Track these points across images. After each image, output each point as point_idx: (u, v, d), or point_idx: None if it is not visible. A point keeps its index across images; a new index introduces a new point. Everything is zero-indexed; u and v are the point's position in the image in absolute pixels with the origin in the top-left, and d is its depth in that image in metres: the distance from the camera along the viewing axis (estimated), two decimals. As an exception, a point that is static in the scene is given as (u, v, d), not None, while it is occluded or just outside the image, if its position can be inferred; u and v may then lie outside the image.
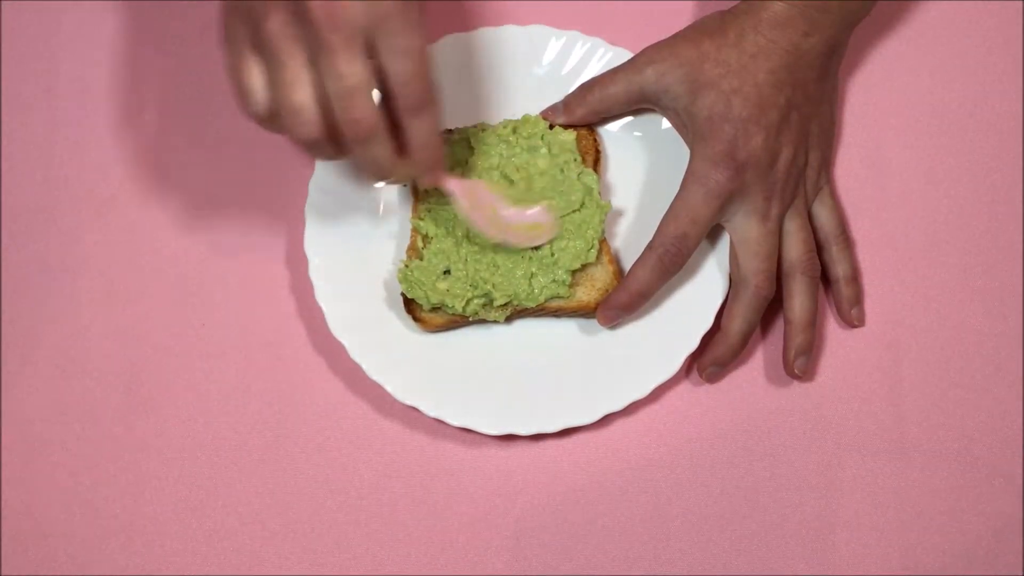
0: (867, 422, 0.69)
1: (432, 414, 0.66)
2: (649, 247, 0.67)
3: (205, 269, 0.71)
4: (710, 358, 0.68)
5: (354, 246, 0.69)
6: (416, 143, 0.58)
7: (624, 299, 0.67)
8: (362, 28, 0.54)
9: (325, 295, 0.68)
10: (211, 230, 0.72)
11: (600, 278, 0.68)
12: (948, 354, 0.70)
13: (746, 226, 0.67)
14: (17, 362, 0.70)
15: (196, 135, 0.73)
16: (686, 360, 0.68)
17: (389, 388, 0.67)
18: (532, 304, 0.67)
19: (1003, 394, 0.69)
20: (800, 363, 0.68)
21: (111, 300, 0.71)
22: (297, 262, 0.71)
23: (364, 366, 0.67)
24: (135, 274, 0.71)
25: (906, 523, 0.67)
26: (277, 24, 0.54)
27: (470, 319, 0.67)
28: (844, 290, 0.70)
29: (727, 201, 0.66)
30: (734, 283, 0.68)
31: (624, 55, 0.73)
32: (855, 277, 0.70)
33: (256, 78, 0.56)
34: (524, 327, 0.69)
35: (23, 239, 0.72)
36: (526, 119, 0.70)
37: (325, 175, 0.70)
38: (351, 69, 0.54)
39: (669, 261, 0.66)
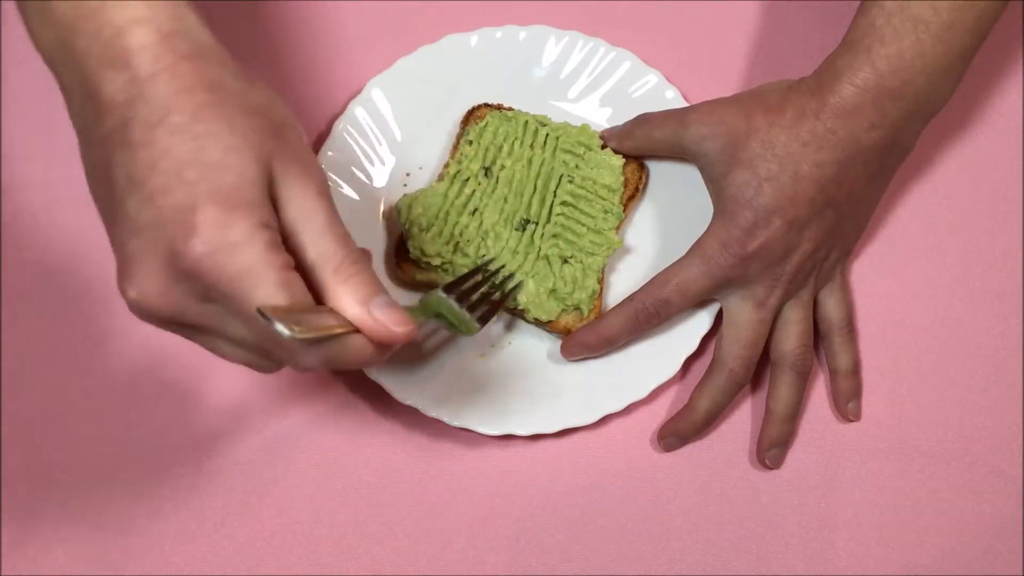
0: (867, 422, 0.69)
1: (431, 414, 0.66)
2: (630, 298, 0.66)
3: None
4: (671, 428, 0.67)
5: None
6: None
7: (591, 340, 0.66)
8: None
9: (325, 295, 0.68)
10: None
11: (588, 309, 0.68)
12: (948, 354, 0.70)
13: (739, 309, 0.66)
14: (17, 362, 0.70)
15: None
16: (685, 361, 0.68)
17: (389, 388, 0.67)
18: (505, 297, 0.66)
19: (1003, 394, 0.69)
20: (773, 454, 0.67)
21: (111, 300, 0.71)
22: (297, 262, 0.71)
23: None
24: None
25: (906, 523, 0.67)
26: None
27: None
28: (842, 383, 0.68)
29: (725, 284, 0.65)
30: (713, 360, 0.67)
31: (625, 55, 0.73)
32: (855, 371, 0.68)
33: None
34: (524, 327, 0.69)
35: (23, 239, 0.72)
36: (584, 128, 0.70)
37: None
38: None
39: (644, 320, 0.66)
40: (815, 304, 0.68)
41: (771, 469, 0.68)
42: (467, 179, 0.69)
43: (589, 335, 0.66)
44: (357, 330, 0.49)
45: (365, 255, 0.51)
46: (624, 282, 0.70)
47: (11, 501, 0.67)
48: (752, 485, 0.68)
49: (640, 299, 0.66)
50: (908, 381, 0.69)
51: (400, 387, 0.67)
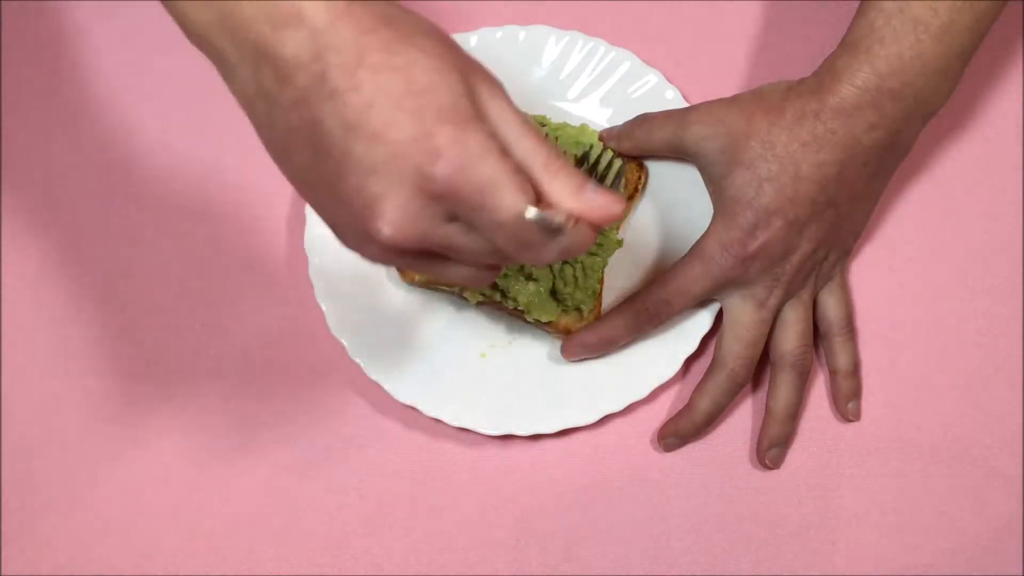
0: (867, 422, 0.69)
1: (431, 414, 0.66)
2: (631, 299, 0.66)
3: (205, 269, 0.71)
4: (671, 429, 0.67)
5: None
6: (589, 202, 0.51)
7: (591, 340, 0.66)
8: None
9: (325, 295, 0.68)
10: (211, 230, 0.72)
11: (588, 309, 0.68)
12: (948, 354, 0.70)
13: (739, 309, 0.66)
14: (17, 362, 0.70)
15: (196, 135, 0.73)
16: (685, 361, 0.68)
17: (388, 388, 0.67)
18: (506, 296, 0.66)
19: (1003, 394, 0.69)
20: (773, 454, 0.67)
21: (111, 300, 0.71)
22: (297, 262, 0.71)
23: (364, 366, 0.67)
24: (135, 274, 0.71)
25: (906, 523, 0.67)
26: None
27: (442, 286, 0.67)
28: (842, 383, 0.68)
29: (725, 284, 0.65)
30: (713, 360, 0.67)
31: (625, 55, 0.73)
32: (855, 371, 0.68)
33: None
34: (524, 327, 0.69)
35: (23, 239, 0.72)
36: (584, 128, 0.70)
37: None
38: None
39: (645, 320, 0.66)
40: (815, 304, 0.68)
41: (771, 469, 0.68)
42: None
43: (590, 336, 0.66)
44: (576, 219, 0.50)
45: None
46: (624, 282, 0.70)
47: (11, 501, 0.67)
48: (752, 485, 0.68)
49: (641, 300, 0.66)
50: (908, 381, 0.69)
51: (400, 387, 0.67)
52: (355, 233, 0.50)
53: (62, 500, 0.68)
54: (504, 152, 0.49)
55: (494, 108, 0.50)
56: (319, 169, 0.50)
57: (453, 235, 0.50)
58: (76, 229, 0.72)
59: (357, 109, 0.48)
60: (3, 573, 0.67)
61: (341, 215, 0.50)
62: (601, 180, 0.65)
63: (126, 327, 0.70)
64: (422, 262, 0.52)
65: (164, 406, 0.69)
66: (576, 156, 0.67)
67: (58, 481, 0.68)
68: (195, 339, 0.70)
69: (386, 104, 0.48)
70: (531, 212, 0.48)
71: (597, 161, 0.65)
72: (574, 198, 0.50)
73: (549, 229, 0.48)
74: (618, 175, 0.64)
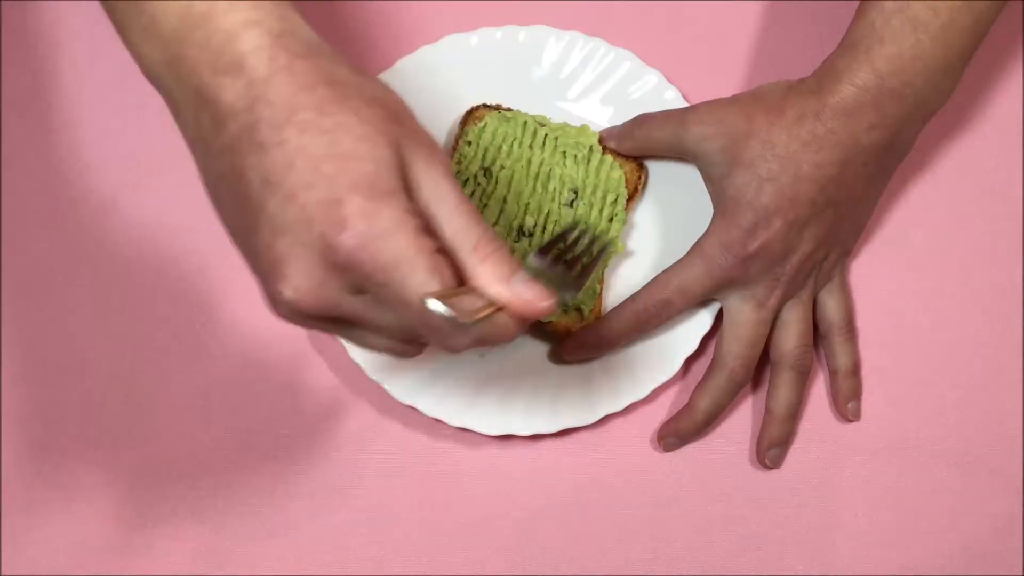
0: (867, 422, 0.69)
1: (431, 414, 0.66)
2: (631, 300, 0.66)
3: (205, 269, 0.71)
4: (672, 428, 0.67)
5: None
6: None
7: (592, 341, 0.66)
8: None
9: (325, 295, 0.68)
10: (211, 230, 0.72)
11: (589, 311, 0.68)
12: (948, 354, 0.70)
13: (739, 309, 0.66)
14: (17, 362, 0.70)
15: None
16: (685, 361, 0.68)
17: (389, 388, 0.67)
18: None
19: (1003, 394, 0.69)
20: (772, 454, 0.67)
21: (111, 300, 0.71)
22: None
23: (364, 366, 0.67)
24: (135, 274, 0.71)
25: (906, 523, 0.67)
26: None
27: None
28: (842, 383, 0.68)
29: (726, 284, 0.65)
30: (713, 360, 0.67)
31: (625, 55, 0.73)
32: (855, 371, 0.68)
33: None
34: (524, 327, 0.69)
35: (23, 239, 0.72)
36: (584, 128, 0.70)
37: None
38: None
39: (646, 321, 0.66)
40: (815, 304, 0.68)
41: (771, 469, 0.67)
42: (467, 180, 0.69)
43: (590, 336, 0.66)
44: (500, 308, 0.49)
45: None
46: (624, 283, 0.70)
47: (11, 501, 0.67)
48: (752, 485, 0.68)
49: (641, 300, 0.66)
50: (908, 381, 0.69)
51: (400, 387, 0.67)
52: (266, 290, 0.49)
53: (63, 500, 0.68)
54: (421, 230, 0.47)
55: (428, 181, 0.49)
56: (240, 219, 0.49)
57: (361, 308, 0.49)
58: (76, 229, 0.72)
59: (278, 166, 0.47)
60: (3, 573, 0.67)
61: (257, 268, 0.50)
62: (574, 262, 0.59)
63: (127, 326, 0.70)
64: (334, 328, 0.51)
65: (164, 406, 0.69)
66: (553, 234, 0.65)
67: (59, 480, 0.68)
68: (196, 338, 0.70)
69: (305, 165, 0.47)
70: (431, 302, 0.46)
71: (575, 242, 0.59)
72: (500, 287, 0.48)
73: (441, 321, 0.46)
74: (597, 257, 0.59)
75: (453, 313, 0.46)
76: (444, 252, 0.48)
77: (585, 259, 0.58)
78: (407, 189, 0.48)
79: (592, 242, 0.59)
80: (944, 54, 0.63)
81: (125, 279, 0.71)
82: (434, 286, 0.47)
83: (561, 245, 0.58)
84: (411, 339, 0.51)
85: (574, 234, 0.58)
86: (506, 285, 0.48)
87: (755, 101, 0.66)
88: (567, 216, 0.68)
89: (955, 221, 0.72)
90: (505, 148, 0.69)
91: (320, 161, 0.47)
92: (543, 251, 0.57)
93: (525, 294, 0.48)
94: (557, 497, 0.68)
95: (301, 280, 0.48)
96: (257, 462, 0.68)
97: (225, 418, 0.69)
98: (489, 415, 0.66)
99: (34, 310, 0.70)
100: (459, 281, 0.49)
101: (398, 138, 0.49)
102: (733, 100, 0.66)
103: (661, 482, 0.68)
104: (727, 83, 0.74)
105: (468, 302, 0.48)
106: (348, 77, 0.49)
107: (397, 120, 0.49)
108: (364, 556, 0.67)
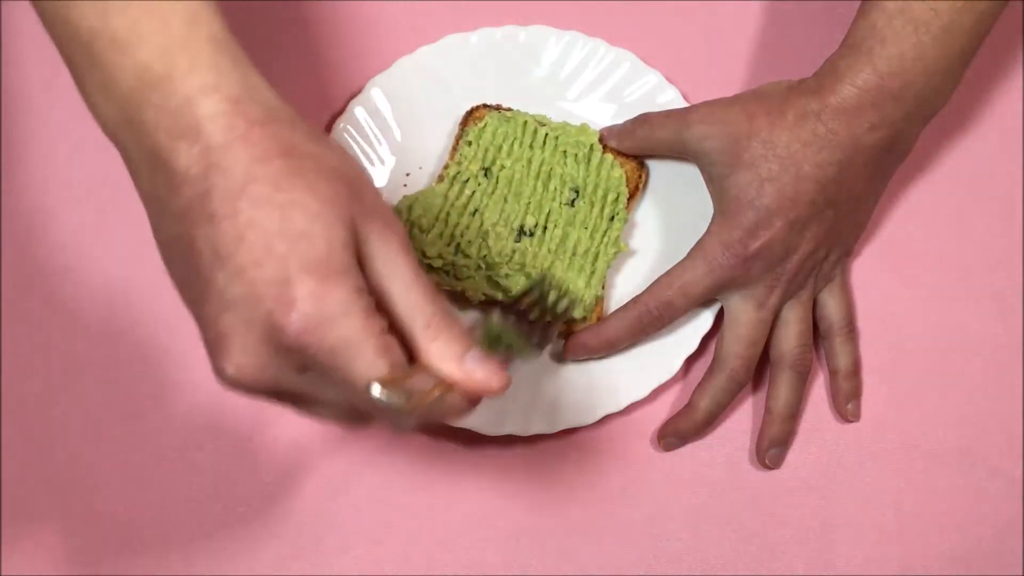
0: (867, 422, 0.69)
1: (432, 414, 0.66)
2: (633, 301, 0.66)
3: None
4: (672, 428, 0.67)
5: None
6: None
7: (593, 342, 0.66)
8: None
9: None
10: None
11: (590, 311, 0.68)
12: (948, 354, 0.70)
13: (740, 309, 0.66)
14: (17, 362, 0.70)
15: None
16: (685, 361, 0.68)
17: (389, 388, 0.66)
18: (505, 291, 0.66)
19: (1003, 394, 0.69)
20: (772, 454, 0.67)
21: (111, 300, 0.71)
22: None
23: (364, 366, 0.67)
24: (135, 274, 0.71)
25: (906, 523, 0.67)
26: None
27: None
28: (842, 384, 0.68)
29: (727, 284, 0.65)
30: (714, 359, 0.67)
31: (625, 55, 0.73)
32: (855, 371, 0.68)
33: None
34: (524, 327, 0.69)
35: (23, 239, 0.72)
36: (584, 128, 0.70)
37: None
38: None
39: (648, 322, 0.66)
40: (815, 304, 0.68)
41: (771, 469, 0.67)
42: (467, 180, 0.69)
43: (592, 337, 0.66)
44: (451, 386, 0.48)
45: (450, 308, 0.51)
46: (625, 282, 0.70)
47: (11, 502, 0.67)
48: (752, 485, 0.68)
49: (644, 302, 0.66)
50: (908, 381, 0.69)
51: (400, 387, 0.67)
52: (211, 362, 0.49)
53: (63, 500, 0.67)
54: (371, 310, 0.47)
55: (383, 257, 0.48)
56: (190, 286, 0.49)
57: (306, 385, 0.49)
58: (76, 229, 0.72)
59: (228, 238, 0.46)
60: (3, 573, 0.66)
61: (204, 337, 0.49)
62: (540, 319, 0.58)
63: (127, 326, 0.70)
64: (280, 401, 0.50)
65: (165, 406, 0.69)
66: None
67: (59, 480, 0.68)
68: (196, 338, 0.70)
69: (256, 241, 0.46)
70: (375, 388, 0.46)
71: (543, 295, 0.58)
72: (452, 365, 0.48)
73: (385, 408, 0.46)
74: (564, 311, 0.59)
75: (396, 401, 0.46)
76: (395, 330, 0.48)
77: (548, 317, 0.58)
78: (361, 264, 0.48)
79: (559, 299, 0.59)
80: (945, 55, 0.63)
81: (126, 279, 0.71)
82: (381, 368, 0.46)
83: (527, 301, 0.57)
84: (358, 416, 0.51)
85: (542, 288, 0.58)
86: (458, 364, 0.48)
87: (756, 101, 0.66)
88: (568, 215, 0.68)
89: (955, 221, 0.72)
90: (505, 148, 0.69)
91: (272, 238, 0.46)
92: (507, 308, 0.57)
93: (476, 373, 0.48)
94: (557, 497, 0.68)
95: (243, 358, 0.47)
96: (257, 463, 0.68)
97: (225, 418, 0.69)
98: (489, 415, 0.66)
99: (34, 310, 0.70)
100: (411, 358, 0.48)
101: (354, 214, 0.48)
102: (734, 100, 0.66)
103: (661, 482, 0.68)
104: (727, 83, 0.74)
105: (419, 381, 0.47)
106: (306, 146, 0.48)
107: (354, 192, 0.49)
108: (364, 556, 0.67)
